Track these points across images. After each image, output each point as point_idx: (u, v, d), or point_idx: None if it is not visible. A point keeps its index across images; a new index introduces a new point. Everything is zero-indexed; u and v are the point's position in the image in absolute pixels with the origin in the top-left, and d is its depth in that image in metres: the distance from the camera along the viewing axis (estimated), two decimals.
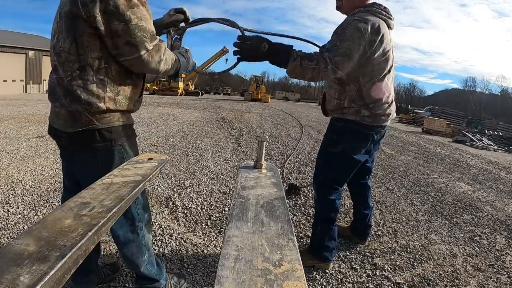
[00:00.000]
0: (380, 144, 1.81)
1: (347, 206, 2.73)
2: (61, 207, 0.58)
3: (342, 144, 1.60)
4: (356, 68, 1.41)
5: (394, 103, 1.62)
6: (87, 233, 0.49)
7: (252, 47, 1.27)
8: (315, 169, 1.75)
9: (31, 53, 18.51)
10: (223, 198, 2.71)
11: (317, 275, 1.72)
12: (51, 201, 2.41)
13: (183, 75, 26.79)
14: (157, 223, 2.14)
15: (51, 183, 2.78)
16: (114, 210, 0.59)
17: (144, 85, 1.21)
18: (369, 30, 1.34)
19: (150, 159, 0.98)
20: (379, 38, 1.37)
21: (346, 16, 1.54)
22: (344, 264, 1.85)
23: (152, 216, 2.23)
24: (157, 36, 1.01)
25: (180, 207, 2.45)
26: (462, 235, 2.43)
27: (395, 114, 1.63)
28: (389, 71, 1.51)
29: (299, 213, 2.53)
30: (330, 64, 1.31)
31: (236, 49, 1.29)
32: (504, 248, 2.27)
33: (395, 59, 1.57)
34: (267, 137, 0.99)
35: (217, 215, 2.36)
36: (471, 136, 11.21)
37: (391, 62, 1.51)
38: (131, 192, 0.68)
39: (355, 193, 2.04)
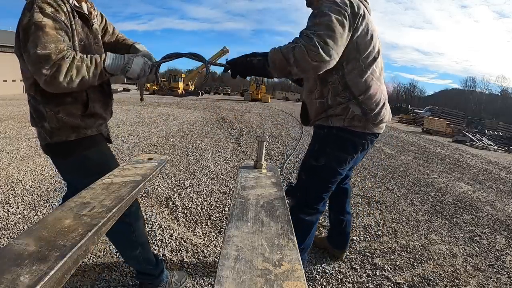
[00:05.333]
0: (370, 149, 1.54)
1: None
2: (61, 207, 0.58)
3: (325, 156, 1.36)
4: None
5: (388, 104, 1.38)
6: (87, 233, 0.49)
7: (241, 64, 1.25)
8: (294, 185, 1.54)
9: None
10: (223, 198, 2.71)
11: (317, 275, 1.73)
12: (51, 201, 2.41)
13: (183, 75, 26.76)
14: (157, 223, 2.14)
15: (51, 183, 2.78)
16: (114, 210, 0.59)
17: (94, 98, 1.16)
18: (348, 4, 1.17)
19: (150, 159, 0.98)
20: (361, 12, 1.20)
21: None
22: (344, 264, 1.85)
23: (152, 216, 2.23)
24: (60, 54, 0.95)
25: (180, 207, 2.45)
26: (462, 235, 2.43)
27: (389, 117, 1.40)
28: (376, 58, 1.30)
29: None
30: (314, 37, 1.09)
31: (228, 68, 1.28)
32: (504, 248, 2.27)
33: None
34: (267, 137, 0.99)
35: (217, 215, 2.36)
36: (471, 136, 11.21)
37: (377, 46, 1.30)
38: (131, 192, 0.68)
39: (332, 199, 1.73)
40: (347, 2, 1.18)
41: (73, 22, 1.06)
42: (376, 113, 1.30)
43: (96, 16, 1.27)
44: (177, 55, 1.24)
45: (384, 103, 1.34)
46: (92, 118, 1.17)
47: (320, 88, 1.33)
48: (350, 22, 1.16)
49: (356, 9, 1.18)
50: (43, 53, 0.93)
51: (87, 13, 1.16)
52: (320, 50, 1.08)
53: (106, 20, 1.36)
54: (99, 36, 1.27)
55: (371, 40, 1.25)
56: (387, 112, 1.36)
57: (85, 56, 1.02)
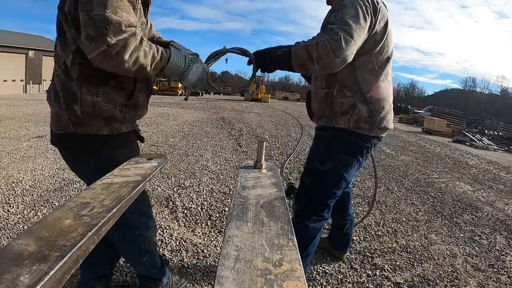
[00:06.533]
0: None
1: None
2: (61, 207, 0.58)
3: (331, 159, 1.30)
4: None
5: (392, 112, 1.35)
6: (87, 233, 0.49)
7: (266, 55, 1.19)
8: (298, 190, 1.49)
9: (31, 53, 18.50)
10: (223, 198, 2.71)
11: (317, 275, 1.72)
12: (51, 201, 2.41)
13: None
14: (157, 223, 2.14)
15: (51, 183, 2.78)
16: (114, 210, 0.59)
17: (140, 87, 1.02)
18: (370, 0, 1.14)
19: (150, 159, 0.98)
20: (379, 7, 1.17)
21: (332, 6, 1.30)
22: (344, 264, 1.85)
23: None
24: (130, 29, 0.80)
25: (180, 207, 2.45)
26: (462, 235, 2.43)
27: (392, 126, 1.36)
28: (389, 59, 1.27)
29: None
30: (340, 32, 1.03)
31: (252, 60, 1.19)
32: (504, 248, 2.27)
33: (395, 59, 1.35)
34: (267, 137, 0.98)
35: (217, 215, 2.36)
36: (471, 136, 11.22)
37: (391, 47, 1.27)
38: (131, 192, 0.68)
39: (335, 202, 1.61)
40: None
41: (139, 2, 0.91)
42: (382, 117, 1.26)
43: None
44: (223, 52, 1.16)
45: (390, 109, 1.32)
46: (133, 110, 1.01)
47: (326, 76, 1.28)
48: (372, 17, 1.13)
49: (376, 4, 1.16)
50: (113, 18, 0.77)
51: None
52: (343, 45, 1.02)
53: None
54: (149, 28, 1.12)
55: (386, 38, 1.22)
56: (391, 119, 1.33)
57: (152, 44, 0.87)
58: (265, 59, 1.18)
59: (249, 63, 1.19)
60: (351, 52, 1.06)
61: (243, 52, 1.19)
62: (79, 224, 0.52)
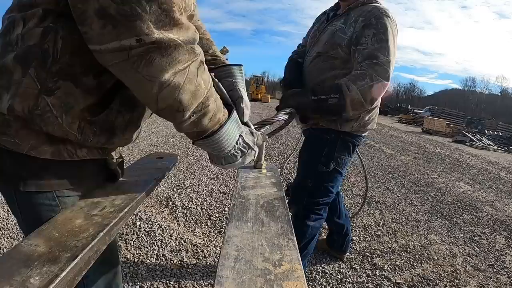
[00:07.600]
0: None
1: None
2: (71, 207, 0.57)
3: (334, 160, 1.35)
4: None
5: None
6: (99, 234, 0.48)
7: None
8: (296, 191, 1.48)
9: None
10: (223, 198, 2.72)
11: (317, 275, 1.74)
12: None
13: None
14: (157, 223, 2.15)
15: None
16: (126, 210, 0.58)
17: (131, 100, 0.57)
18: (395, 22, 1.17)
19: (160, 158, 0.97)
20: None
21: (348, 6, 1.27)
22: (344, 264, 1.86)
23: (152, 216, 2.24)
24: (188, 30, 0.44)
25: (180, 207, 2.46)
26: (462, 235, 2.44)
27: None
28: None
29: None
30: (389, 70, 1.08)
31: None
32: (504, 248, 2.28)
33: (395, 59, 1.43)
34: (267, 137, 0.99)
35: (217, 215, 2.37)
36: (471, 136, 11.21)
37: None
38: (142, 192, 0.67)
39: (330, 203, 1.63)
40: (394, 19, 1.18)
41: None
42: (374, 122, 1.39)
43: None
44: (272, 122, 1.01)
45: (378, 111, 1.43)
46: (103, 135, 0.55)
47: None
48: (396, 39, 1.19)
49: (397, 25, 1.21)
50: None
51: None
52: (389, 82, 1.09)
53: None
54: None
55: None
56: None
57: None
58: (312, 111, 1.18)
59: (289, 119, 1.12)
60: None
61: (288, 114, 1.11)
62: (90, 224, 0.51)
